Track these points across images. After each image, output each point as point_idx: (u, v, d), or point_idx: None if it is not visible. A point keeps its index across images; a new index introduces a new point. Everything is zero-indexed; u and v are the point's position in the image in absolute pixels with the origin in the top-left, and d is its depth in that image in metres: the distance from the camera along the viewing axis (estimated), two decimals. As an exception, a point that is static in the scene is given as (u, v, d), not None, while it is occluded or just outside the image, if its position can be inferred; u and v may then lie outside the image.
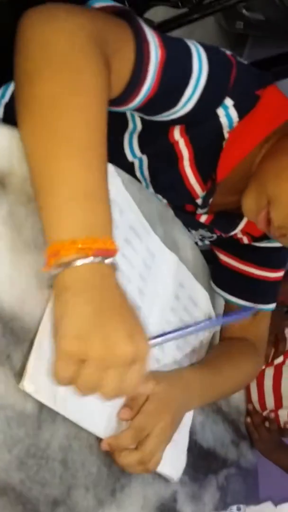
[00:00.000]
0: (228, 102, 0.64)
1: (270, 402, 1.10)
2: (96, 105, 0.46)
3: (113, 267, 0.46)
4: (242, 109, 0.65)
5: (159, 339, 0.54)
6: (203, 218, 0.77)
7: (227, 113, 0.65)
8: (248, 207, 0.68)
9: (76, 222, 0.44)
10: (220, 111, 0.65)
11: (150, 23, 1.02)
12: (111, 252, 0.45)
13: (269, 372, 1.10)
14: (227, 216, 0.77)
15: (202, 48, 0.60)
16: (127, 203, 0.64)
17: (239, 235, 0.82)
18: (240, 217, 0.72)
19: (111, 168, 0.60)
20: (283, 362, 1.10)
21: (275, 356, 1.11)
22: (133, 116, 0.68)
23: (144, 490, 0.68)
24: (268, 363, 1.11)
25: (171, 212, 0.77)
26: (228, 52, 0.65)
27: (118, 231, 0.62)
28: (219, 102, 0.64)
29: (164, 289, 0.73)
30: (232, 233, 0.81)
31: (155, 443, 0.61)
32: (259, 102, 0.66)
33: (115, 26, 0.53)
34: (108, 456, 0.60)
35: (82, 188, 0.44)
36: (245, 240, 0.83)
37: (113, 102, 0.56)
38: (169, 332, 0.55)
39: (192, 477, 0.83)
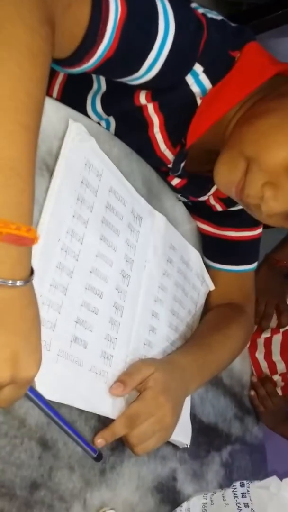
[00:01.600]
0: (198, 68, 0.58)
1: (281, 366, 1.06)
2: (26, 64, 0.39)
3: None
4: (215, 75, 0.60)
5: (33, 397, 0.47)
6: (174, 182, 0.73)
7: (198, 80, 0.59)
8: (221, 174, 0.61)
9: None
10: (190, 79, 0.59)
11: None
12: (26, 241, 0.38)
13: (277, 338, 1.06)
14: (199, 181, 0.72)
15: (170, 7, 0.54)
16: (105, 165, 0.58)
17: (212, 202, 0.78)
18: (212, 182, 0.67)
19: (82, 128, 0.55)
20: None
21: (279, 325, 1.06)
22: (98, 77, 0.63)
23: (138, 469, 0.64)
24: (274, 331, 1.07)
25: (152, 170, 0.71)
26: (200, 10, 0.59)
27: (98, 197, 0.57)
28: (187, 69, 0.58)
29: (155, 253, 0.68)
30: (203, 198, 0.77)
31: (146, 429, 0.58)
32: (234, 65, 0.60)
33: None
34: (95, 433, 0.56)
35: None
36: (219, 207, 0.79)
37: (65, 62, 0.50)
38: (47, 406, 0.49)
39: (193, 454, 0.78)
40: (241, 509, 0.68)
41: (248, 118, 0.60)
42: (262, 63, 0.61)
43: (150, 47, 0.53)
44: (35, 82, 0.40)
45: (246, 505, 0.68)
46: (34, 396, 0.44)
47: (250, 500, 0.68)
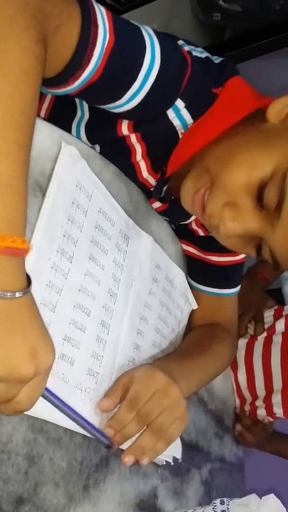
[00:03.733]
0: (180, 104, 0.60)
1: (260, 386, 1.07)
2: (20, 84, 0.41)
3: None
4: (196, 110, 0.62)
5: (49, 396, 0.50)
6: (156, 205, 0.75)
7: (179, 114, 0.61)
8: (185, 189, 0.63)
9: None
10: (171, 113, 0.61)
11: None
12: (21, 252, 0.40)
13: (258, 350, 1.08)
14: (180, 206, 0.74)
15: (158, 41, 0.56)
16: (95, 186, 0.60)
17: (194, 227, 0.80)
18: None
19: (75, 151, 0.56)
20: (270, 340, 1.07)
21: (254, 335, 1.09)
22: (81, 104, 0.65)
23: (121, 486, 0.64)
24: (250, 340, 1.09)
25: (140, 191, 0.73)
26: (186, 48, 0.61)
27: (88, 217, 0.58)
28: (169, 104, 0.60)
29: (141, 272, 0.70)
30: (184, 222, 0.79)
31: (153, 406, 0.58)
32: (215, 101, 0.62)
33: (61, 0, 0.48)
34: (80, 450, 0.56)
35: None
36: (201, 232, 0.81)
37: (50, 82, 0.52)
38: (60, 400, 0.51)
39: (174, 471, 0.79)
40: (220, 526, 0.69)
41: (218, 139, 0.61)
42: (243, 98, 0.63)
43: (135, 77, 0.55)
44: (28, 101, 0.41)
45: (226, 522, 0.69)
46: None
47: (230, 517, 0.69)
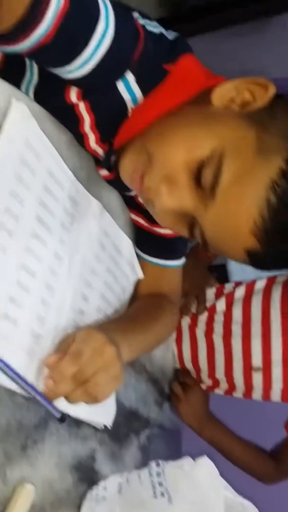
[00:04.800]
0: (130, 76, 0.60)
1: (203, 361, 1.10)
2: None
3: None
4: (146, 85, 0.61)
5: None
6: (102, 173, 0.74)
7: (129, 87, 0.61)
8: (124, 164, 0.63)
9: None
10: (121, 85, 0.60)
11: None
12: None
13: (201, 327, 1.11)
14: None
15: (113, 11, 0.55)
16: (45, 147, 0.59)
17: (140, 200, 0.80)
18: None
19: (25, 108, 0.55)
20: (212, 319, 1.10)
21: (196, 314, 1.11)
22: (31, 66, 0.63)
23: (59, 447, 0.65)
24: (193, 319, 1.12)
25: (91, 157, 0.73)
26: (141, 21, 0.60)
27: (37, 178, 0.57)
28: (119, 75, 0.59)
29: (89, 238, 0.69)
30: (130, 194, 0.79)
31: (92, 363, 0.58)
32: (167, 77, 0.62)
33: None
34: (20, 410, 0.57)
35: None
36: None
37: (0, 37, 0.50)
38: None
39: (113, 436, 0.81)
40: (155, 488, 0.71)
41: (162, 117, 0.62)
42: (194, 77, 0.63)
43: (86, 44, 0.53)
44: None
45: (160, 484, 0.71)
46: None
47: (165, 479, 0.71)
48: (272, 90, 0.58)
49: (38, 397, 0.54)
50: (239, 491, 0.74)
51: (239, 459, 1.12)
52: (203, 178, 0.55)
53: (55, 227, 0.61)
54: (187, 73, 0.62)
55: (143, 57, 0.58)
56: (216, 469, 0.70)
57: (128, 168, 0.62)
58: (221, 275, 1.35)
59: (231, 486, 0.74)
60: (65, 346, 0.60)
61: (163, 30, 0.64)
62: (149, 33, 0.60)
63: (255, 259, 0.57)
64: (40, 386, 0.57)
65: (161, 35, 0.63)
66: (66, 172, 0.64)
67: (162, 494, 0.69)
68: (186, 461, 0.71)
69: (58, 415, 0.55)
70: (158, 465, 0.72)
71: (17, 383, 0.52)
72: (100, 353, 0.60)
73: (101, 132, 0.66)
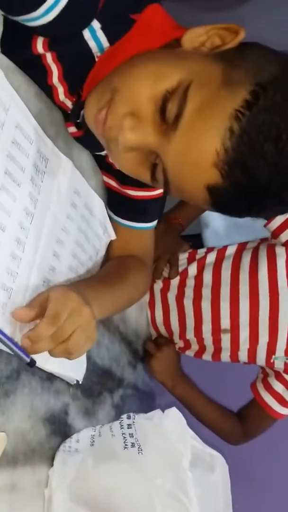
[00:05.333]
0: (96, 24, 0.59)
1: (175, 324, 1.12)
2: None
3: None
4: (113, 34, 0.61)
5: None
6: (71, 130, 0.74)
7: (95, 36, 0.60)
8: (88, 108, 0.62)
9: None
10: (87, 33, 0.60)
11: None
12: None
13: (173, 291, 1.13)
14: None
15: None
16: (12, 100, 0.59)
17: (111, 160, 0.79)
18: None
19: None
20: (184, 283, 1.12)
21: (168, 278, 1.13)
22: None
23: (31, 400, 0.67)
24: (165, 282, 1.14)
25: (61, 115, 0.73)
26: None
27: (4, 131, 0.57)
28: (85, 23, 0.59)
29: (60, 196, 0.70)
30: (100, 153, 0.79)
31: (71, 326, 0.60)
32: (133, 27, 0.61)
33: None
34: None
35: None
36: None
37: None
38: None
39: (86, 392, 0.83)
40: (126, 439, 0.73)
41: (127, 60, 0.61)
42: (162, 26, 0.63)
43: None
44: None
45: (131, 435, 0.74)
46: None
47: (135, 430, 0.74)
48: (242, 35, 0.58)
49: (8, 342, 0.55)
50: (207, 442, 0.77)
51: (207, 418, 1.16)
52: (167, 111, 0.54)
53: (24, 182, 0.61)
54: (154, 22, 0.62)
55: (109, 4, 0.57)
56: (184, 419, 0.72)
57: (92, 108, 0.61)
58: (196, 244, 1.37)
59: (200, 437, 0.77)
60: (37, 304, 0.61)
61: None
62: None
63: (216, 196, 0.55)
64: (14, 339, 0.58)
65: None
66: (35, 128, 0.64)
67: (133, 445, 0.72)
68: (156, 413, 0.74)
69: (28, 359, 0.57)
70: (129, 417, 0.74)
71: None
72: (78, 314, 0.61)
73: (69, 83, 0.65)
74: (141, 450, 0.71)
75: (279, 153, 0.51)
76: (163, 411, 0.78)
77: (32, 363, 0.57)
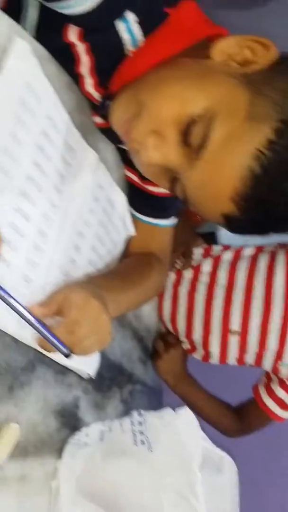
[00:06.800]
0: (130, 16, 0.58)
1: (182, 321, 1.12)
2: None
3: None
4: (147, 27, 0.60)
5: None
6: (97, 120, 0.73)
7: (129, 28, 0.59)
8: (114, 111, 0.62)
9: None
10: (121, 25, 0.59)
11: None
12: None
13: (185, 286, 1.12)
14: None
15: None
16: (45, 90, 0.58)
17: (127, 148, 0.79)
18: None
19: (26, 46, 0.54)
20: (196, 279, 1.11)
21: (182, 269, 1.13)
22: (27, 5, 0.61)
23: (44, 392, 0.66)
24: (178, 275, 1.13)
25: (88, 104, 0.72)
26: None
27: (36, 121, 0.56)
28: (119, 13, 0.58)
29: (84, 188, 0.69)
30: (123, 146, 0.78)
31: (87, 332, 0.60)
32: (167, 21, 0.60)
33: None
34: (8, 351, 0.57)
35: None
36: None
37: None
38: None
39: (97, 386, 0.83)
40: (136, 436, 0.73)
41: (158, 66, 0.60)
42: (196, 23, 0.62)
43: None
44: None
45: (141, 432, 0.73)
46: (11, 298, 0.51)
47: (146, 428, 0.74)
48: (273, 51, 0.57)
49: (46, 333, 0.56)
50: (217, 443, 0.77)
51: (207, 414, 1.17)
52: (191, 136, 0.55)
53: (51, 173, 0.61)
54: (187, 18, 0.61)
55: None
56: (196, 420, 0.72)
57: (117, 115, 0.61)
58: (211, 242, 1.36)
59: (209, 438, 0.76)
60: (54, 302, 0.61)
61: None
62: None
63: (230, 224, 0.57)
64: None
65: None
66: (65, 119, 0.63)
67: (143, 442, 0.71)
68: (167, 411, 0.73)
69: (66, 352, 0.58)
70: (140, 414, 0.74)
71: (23, 318, 0.54)
72: (96, 323, 0.61)
73: (99, 76, 0.65)
74: (151, 447, 0.70)
75: None
76: (170, 408, 0.78)
77: (69, 354, 0.58)
